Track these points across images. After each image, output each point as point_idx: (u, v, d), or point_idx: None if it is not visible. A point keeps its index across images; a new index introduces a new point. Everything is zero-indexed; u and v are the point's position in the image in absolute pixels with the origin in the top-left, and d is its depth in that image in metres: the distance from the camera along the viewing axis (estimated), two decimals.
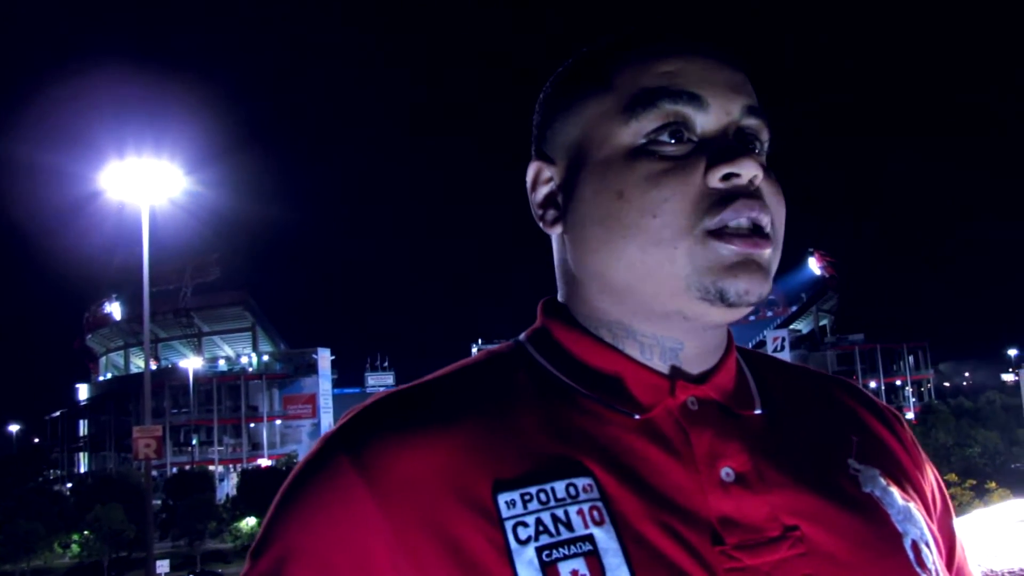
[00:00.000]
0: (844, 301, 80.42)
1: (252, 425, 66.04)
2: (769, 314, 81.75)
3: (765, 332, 77.34)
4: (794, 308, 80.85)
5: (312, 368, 67.36)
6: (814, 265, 78.25)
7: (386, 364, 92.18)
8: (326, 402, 67.41)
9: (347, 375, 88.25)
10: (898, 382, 72.97)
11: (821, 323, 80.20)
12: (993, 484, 35.35)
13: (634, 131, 0.74)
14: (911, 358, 74.97)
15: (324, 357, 68.73)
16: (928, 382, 77.64)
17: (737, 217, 0.71)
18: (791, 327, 76.91)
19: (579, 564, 0.66)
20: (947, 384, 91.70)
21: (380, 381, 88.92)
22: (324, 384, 67.93)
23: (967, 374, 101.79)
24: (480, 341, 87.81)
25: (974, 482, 35.71)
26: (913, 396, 71.75)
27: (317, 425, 65.57)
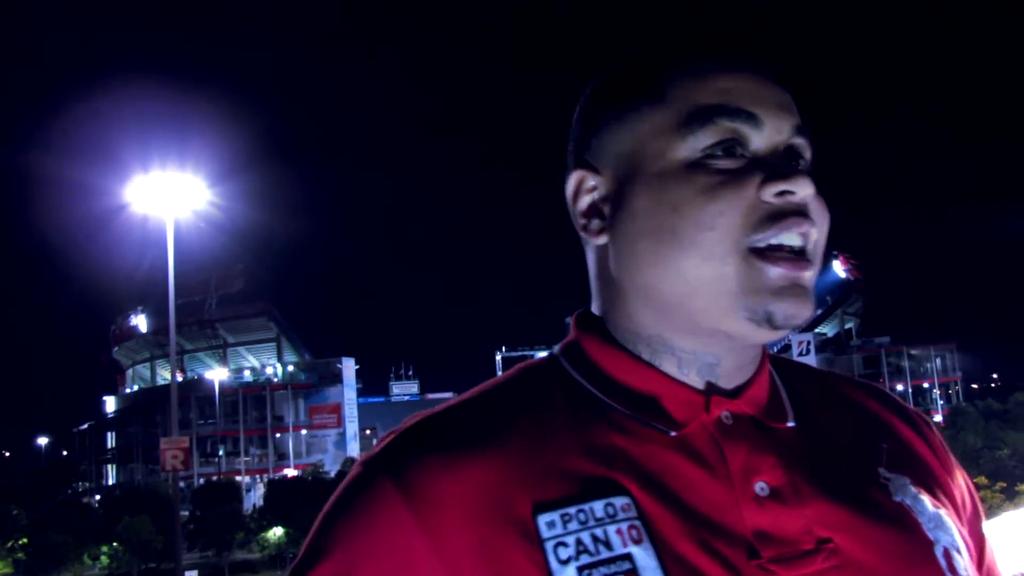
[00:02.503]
0: (869, 304, 79.97)
1: (278, 435, 66.25)
2: None
3: (790, 336, 76.54)
4: (819, 311, 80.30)
5: (337, 378, 67.51)
6: (839, 268, 77.60)
7: (410, 373, 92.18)
8: (351, 411, 67.59)
9: (372, 384, 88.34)
10: (925, 384, 72.21)
11: (847, 326, 79.64)
12: (1023, 487, 34.88)
13: (690, 146, 0.74)
14: (938, 360, 74.27)
15: (349, 366, 68.85)
16: (956, 384, 76.83)
17: (787, 232, 0.72)
18: (816, 330, 76.27)
19: None
20: (975, 386, 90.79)
21: (405, 390, 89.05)
22: (349, 393, 68.05)
23: (995, 375, 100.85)
24: (504, 349, 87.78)
25: (1004, 484, 35.22)
26: (941, 398, 70.95)
27: (343, 434, 65.79)
